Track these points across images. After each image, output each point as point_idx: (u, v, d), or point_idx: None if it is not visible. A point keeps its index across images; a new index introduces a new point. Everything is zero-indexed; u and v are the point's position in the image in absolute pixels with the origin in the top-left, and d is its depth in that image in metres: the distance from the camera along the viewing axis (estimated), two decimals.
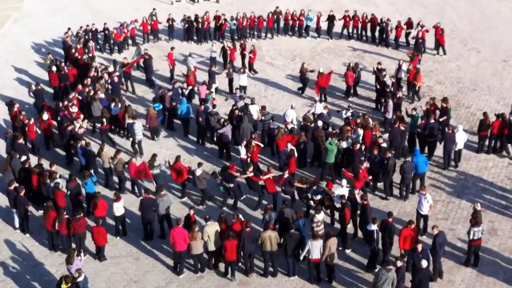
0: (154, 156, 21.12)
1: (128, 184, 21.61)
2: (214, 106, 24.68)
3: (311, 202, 18.97)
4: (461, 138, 22.03)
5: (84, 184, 19.90)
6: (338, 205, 18.75)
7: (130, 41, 33.17)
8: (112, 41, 32.36)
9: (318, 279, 17.38)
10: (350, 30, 33.64)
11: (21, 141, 22.27)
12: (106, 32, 32.26)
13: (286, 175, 19.81)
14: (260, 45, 33.30)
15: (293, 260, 17.46)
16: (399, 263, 15.82)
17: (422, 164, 20.59)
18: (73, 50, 29.44)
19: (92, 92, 25.19)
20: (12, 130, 23.52)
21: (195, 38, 33.98)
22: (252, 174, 20.15)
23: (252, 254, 17.53)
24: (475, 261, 17.69)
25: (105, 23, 32.51)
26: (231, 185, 20.12)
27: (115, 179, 21.71)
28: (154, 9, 34.48)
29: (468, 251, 17.59)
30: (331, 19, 33.42)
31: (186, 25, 33.60)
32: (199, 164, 20.58)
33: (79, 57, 28.95)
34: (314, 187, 19.31)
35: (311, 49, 32.69)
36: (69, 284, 15.62)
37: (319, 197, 19.03)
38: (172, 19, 33.57)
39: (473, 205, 18.24)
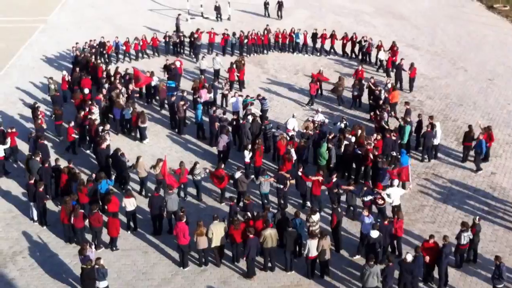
0: (195, 164, 20.80)
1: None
2: (224, 112, 24.46)
3: (375, 199, 18.79)
4: (438, 134, 23.04)
5: (98, 184, 19.76)
6: (390, 201, 18.87)
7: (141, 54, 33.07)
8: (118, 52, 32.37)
9: (313, 274, 17.38)
10: (328, 48, 33.50)
11: (43, 141, 22.23)
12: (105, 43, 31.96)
13: (334, 179, 19.54)
14: (266, 59, 33.45)
15: (291, 256, 17.46)
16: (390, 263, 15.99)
17: (406, 163, 20.99)
18: (92, 60, 29.40)
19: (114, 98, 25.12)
20: (35, 131, 23.46)
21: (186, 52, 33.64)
22: (301, 174, 19.81)
23: (254, 258, 17.38)
24: (460, 262, 17.70)
25: (116, 37, 32.81)
26: (283, 187, 19.85)
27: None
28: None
29: (455, 253, 17.51)
30: (314, 37, 33.43)
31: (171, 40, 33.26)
32: (238, 168, 20.46)
33: (95, 65, 28.81)
34: (365, 188, 19.23)
35: (312, 65, 32.72)
36: (89, 266, 16.05)
37: (369, 197, 18.93)
38: (156, 37, 33.07)
39: (473, 218, 18.04)
